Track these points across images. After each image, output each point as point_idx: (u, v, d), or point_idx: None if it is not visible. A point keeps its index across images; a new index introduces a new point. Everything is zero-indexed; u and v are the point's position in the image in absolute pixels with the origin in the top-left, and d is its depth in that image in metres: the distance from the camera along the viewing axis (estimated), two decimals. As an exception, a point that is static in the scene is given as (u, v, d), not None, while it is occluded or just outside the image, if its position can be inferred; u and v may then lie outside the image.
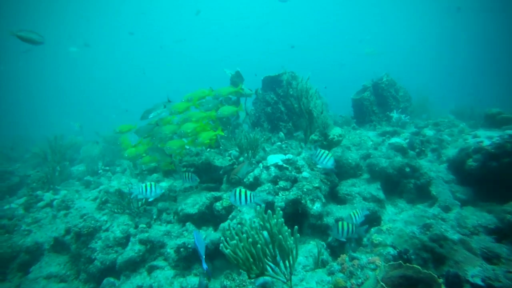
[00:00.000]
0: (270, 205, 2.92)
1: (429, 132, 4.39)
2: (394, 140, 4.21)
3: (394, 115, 5.97)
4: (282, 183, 3.13)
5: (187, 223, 3.68)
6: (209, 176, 4.15)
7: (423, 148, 4.18)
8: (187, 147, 4.32)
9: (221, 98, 4.58)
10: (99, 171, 6.11)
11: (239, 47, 35.70)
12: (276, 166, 3.24)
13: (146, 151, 4.07)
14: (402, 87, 6.34)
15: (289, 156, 3.38)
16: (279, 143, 4.48)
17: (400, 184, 3.81)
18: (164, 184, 5.04)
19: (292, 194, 2.99)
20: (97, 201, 4.72)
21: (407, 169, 3.75)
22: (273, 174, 3.17)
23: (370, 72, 6.17)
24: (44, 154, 5.65)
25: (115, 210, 4.00)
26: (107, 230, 3.69)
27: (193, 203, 3.78)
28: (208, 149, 4.58)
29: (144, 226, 3.66)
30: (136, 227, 3.79)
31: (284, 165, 3.26)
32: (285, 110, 5.55)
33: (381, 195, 3.55)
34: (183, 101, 4.25)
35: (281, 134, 5.25)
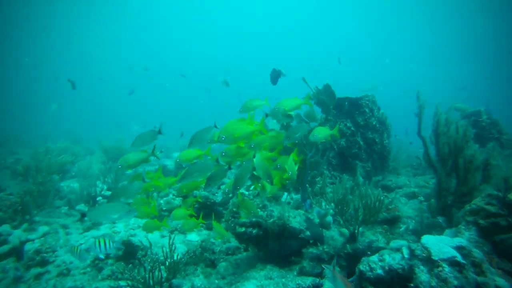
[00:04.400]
0: None
1: None
2: None
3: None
4: (466, 302, 1.60)
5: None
6: (280, 243, 2.58)
7: None
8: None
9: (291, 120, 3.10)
10: (98, 198, 4.50)
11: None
12: (452, 263, 1.71)
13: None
14: (505, 130, 4.91)
15: (462, 241, 1.86)
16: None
17: None
18: (194, 236, 3.45)
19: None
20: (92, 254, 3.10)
21: None
22: (453, 287, 1.62)
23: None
24: (24, 170, 4.01)
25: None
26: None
27: (262, 296, 2.18)
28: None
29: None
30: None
31: (462, 261, 1.74)
32: (364, 145, 4.10)
33: None
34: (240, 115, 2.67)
35: (360, 179, 3.76)
